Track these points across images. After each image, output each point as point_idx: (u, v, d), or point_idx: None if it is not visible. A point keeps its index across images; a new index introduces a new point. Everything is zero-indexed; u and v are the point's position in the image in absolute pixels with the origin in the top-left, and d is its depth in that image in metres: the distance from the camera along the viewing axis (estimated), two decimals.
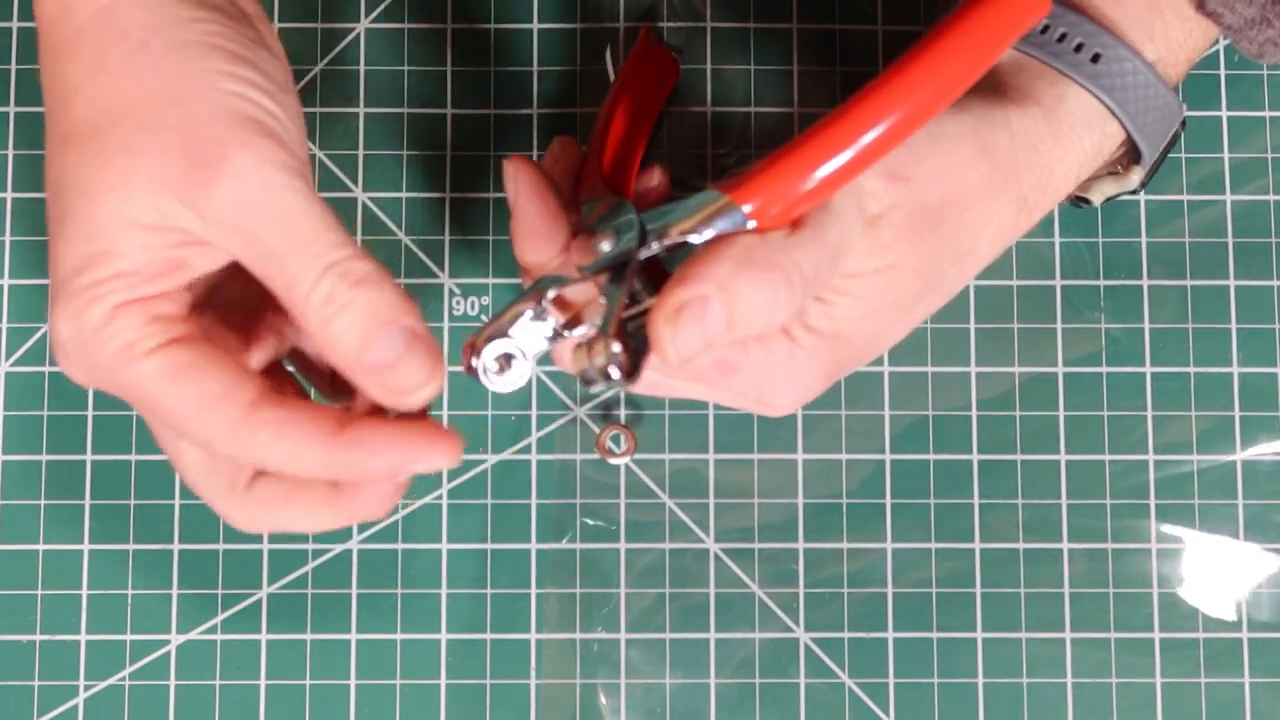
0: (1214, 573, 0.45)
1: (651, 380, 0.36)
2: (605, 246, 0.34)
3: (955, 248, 0.36)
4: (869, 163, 0.32)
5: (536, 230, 0.36)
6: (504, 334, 0.34)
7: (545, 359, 0.36)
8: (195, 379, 0.32)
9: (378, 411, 0.33)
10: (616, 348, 0.32)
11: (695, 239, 0.33)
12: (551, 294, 0.35)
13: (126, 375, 0.31)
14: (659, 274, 0.35)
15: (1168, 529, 0.45)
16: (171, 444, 0.34)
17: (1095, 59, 0.37)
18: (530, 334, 0.35)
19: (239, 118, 0.31)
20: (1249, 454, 0.45)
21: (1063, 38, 0.37)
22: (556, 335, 0.35)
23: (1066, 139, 0.38)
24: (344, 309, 0.31)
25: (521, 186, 0.37)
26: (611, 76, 0.46)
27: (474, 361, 0.34)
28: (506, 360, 0.34)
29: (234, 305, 0.35)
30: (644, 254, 0.34)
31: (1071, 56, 0.37)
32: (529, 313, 0.34)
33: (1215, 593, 0.45)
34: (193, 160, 0.31)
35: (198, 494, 0.34)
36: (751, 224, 0.33)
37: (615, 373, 0.32)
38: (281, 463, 0.32)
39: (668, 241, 0.34)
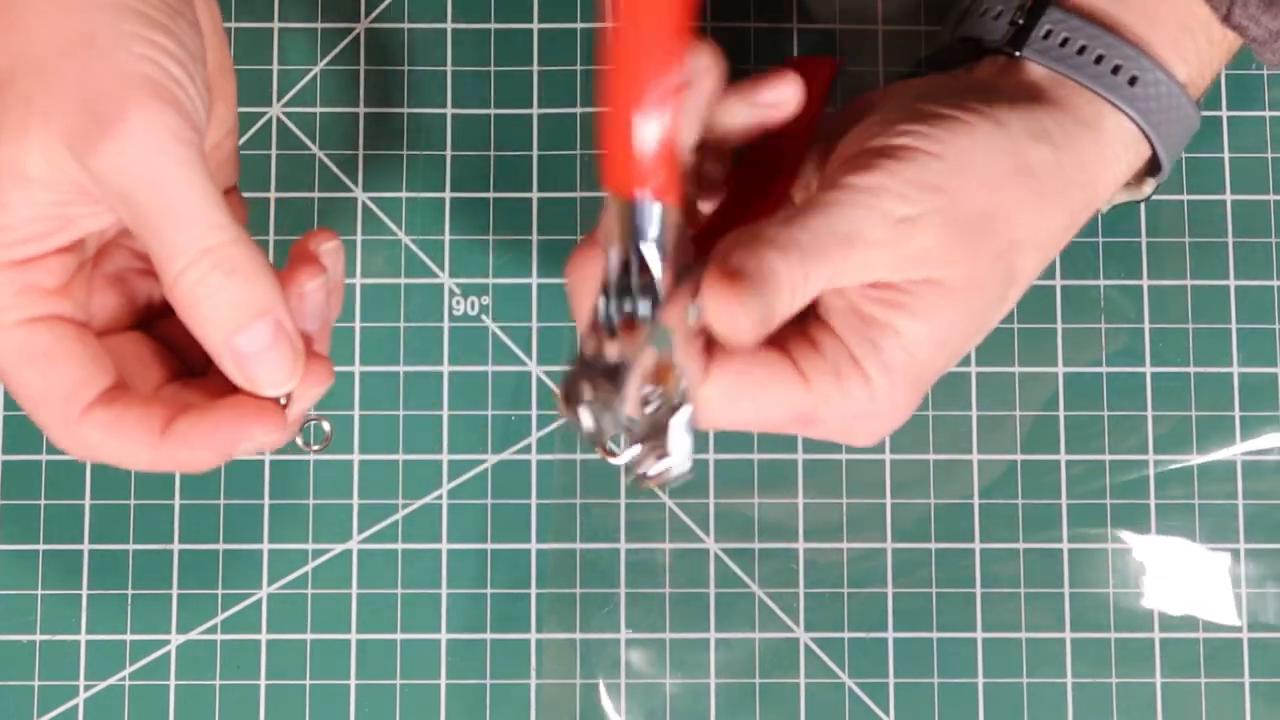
0: (1214, 573, 0.45)
1: (731, 420, 0.36)
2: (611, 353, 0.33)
3: (1011, 263, 0.36)
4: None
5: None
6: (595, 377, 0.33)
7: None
8: (44, 370, 0.32)
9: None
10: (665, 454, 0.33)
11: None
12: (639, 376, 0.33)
13: None
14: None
15: (1168, 529, 0.45)
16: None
17: (1133, 81, 0.37)
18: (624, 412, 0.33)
19: (143, 81, 0.31)
20: (1250, 454, 0.45)
21: (1100, 59, 0.37)
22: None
23: (1108, 158, 0.37)
24: (214, 295, 0.31)
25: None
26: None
27: (636, 467, 0.33)
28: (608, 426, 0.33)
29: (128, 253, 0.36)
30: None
31: (1109, 79, 0.37)
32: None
33: (1216, 593, 0.45)
34: (88, 116, 0.30)
35: (31, 418, 0.34)
36: None
37: (683, 465, 0.33)
38: (109, 458, 0.33)
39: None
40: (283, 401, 0.34)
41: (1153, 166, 0.39)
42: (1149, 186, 0.41)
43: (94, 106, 0.31)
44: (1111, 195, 0.39)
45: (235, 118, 0.37)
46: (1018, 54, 0.38)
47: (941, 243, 0.34)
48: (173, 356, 0.36)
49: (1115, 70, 0.37)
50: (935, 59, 0.42)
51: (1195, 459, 0.45)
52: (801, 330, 0.36)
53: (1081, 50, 0.37)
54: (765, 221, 0.33)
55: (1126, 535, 0.45)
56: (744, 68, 0.47)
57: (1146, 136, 0.38)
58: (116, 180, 0.31)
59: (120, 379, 0.34)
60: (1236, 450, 0.45)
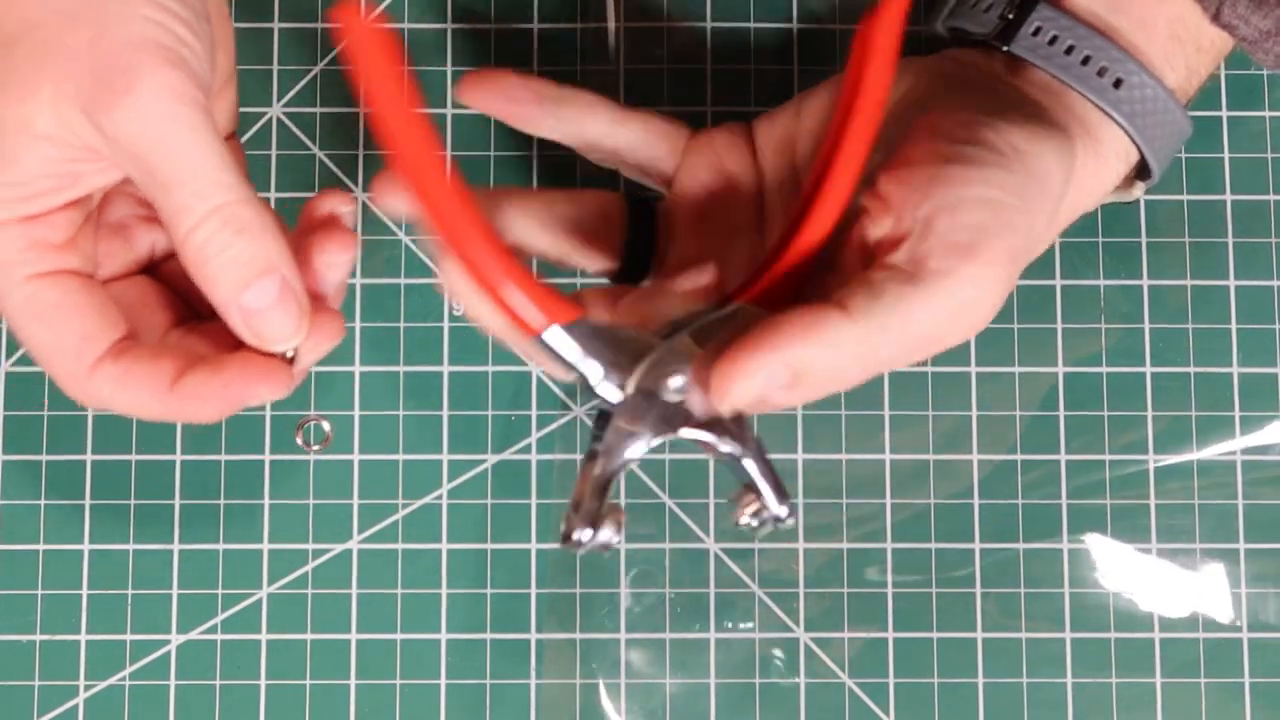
0: (1214, 573, 0.45)
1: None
2: (682, 394, 0.34)
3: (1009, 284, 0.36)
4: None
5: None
6: (596, 507, 0.33)
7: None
8: (54, 324, 0.33)
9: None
10: (757, 504, 0.35)
11: None
12: (629, 456, 0.34)
13: None
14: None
15: (1168, 528, 0.45)
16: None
17: (1118, 84, 0.37)
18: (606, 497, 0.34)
19: (152, 44, 0.32)
20: (1250, 453, 0.45)
21: (1087, 60, 0.37)
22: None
23: (1103, 173, 0.38)
24: (222, 252, 0.32)
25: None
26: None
27: (583, 539, 0.33)
28: (610, 532, 0.34)
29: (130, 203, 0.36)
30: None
31: (1095, 81, 0.37)
32: (596, 469, 0.34)
33: (1216, 593, 0.45)
34: (99, 78, 0.31)
35: (38, 363, 0.35)
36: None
37: (786, 511, 0.34)
38: (120, 410, 0.34)
39: None
40: (289, 355, 0.34)
41: (1142, 170, 0.39)
42: (1138, 189, 0.41)
43: (105, 70, 0.31)
44: (1099, 201, 0.39)
45: (234, 65, 0.38)
46: (1005, 48, 0.38)
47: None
48: (179, 300, 0.37)
49: (1101, 72, 0.37)
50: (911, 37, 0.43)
51: (1195, 458, 0.45)
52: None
53: (1069, 50, 0.37)
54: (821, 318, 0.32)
55: (1126, 535, 0.45)
56: (744, 67, 0.47)
57: (1134, 142, 0.38)
58: (128, 142, 0.31)
59: (129, 330, 0.34)
60: (1236, 450, 0.45)
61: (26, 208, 0.32)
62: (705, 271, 0.37)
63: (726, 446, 0.34)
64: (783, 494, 0.34)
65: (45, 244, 0.33)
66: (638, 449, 0.34)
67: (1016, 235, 0.33)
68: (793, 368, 0.32)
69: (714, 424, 0.34)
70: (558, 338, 0.33)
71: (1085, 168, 0.37)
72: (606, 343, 0.34)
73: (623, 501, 0.45)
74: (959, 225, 0.32)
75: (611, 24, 0.47)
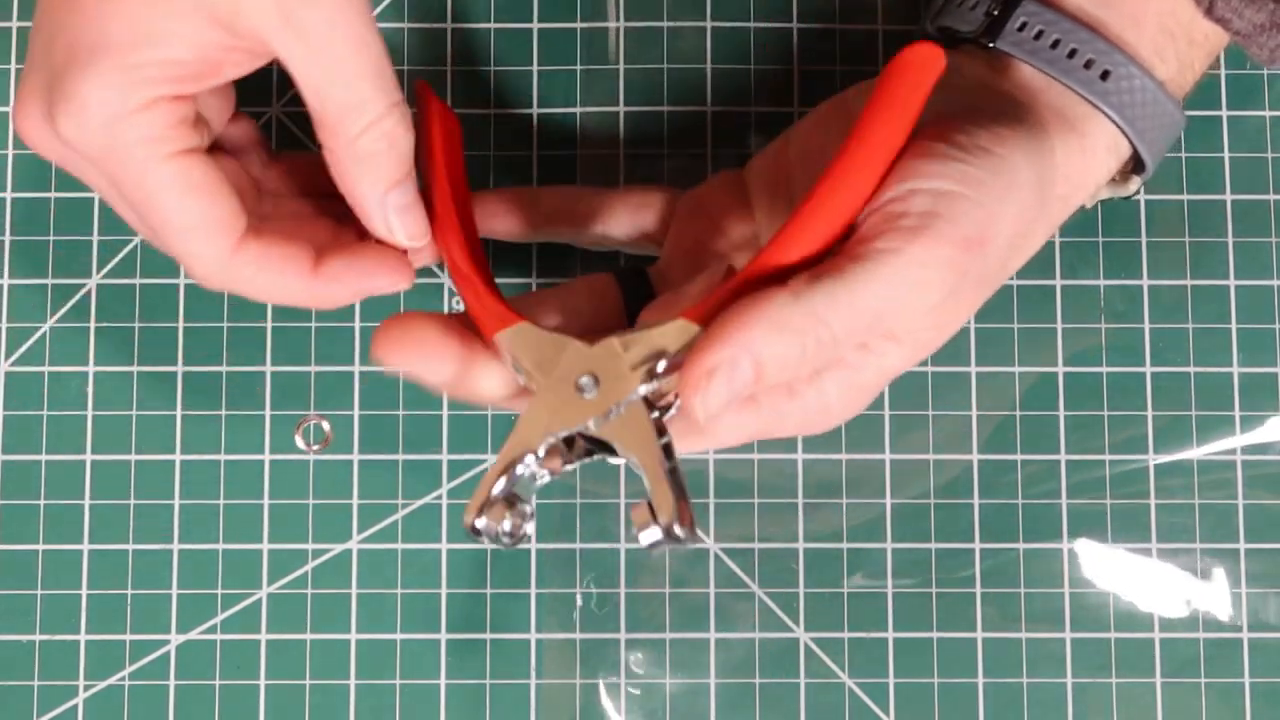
0: (1214, 573, 0.45)
1: (683, 448, 0.36)
2: (592, 392, 0.34)
3: (997, 277, 0.36)
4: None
5: (482, 376, 0.36)
6: (499, 496, 0.34)
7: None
8: (202, 199, 0.34)
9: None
10: (671, 504, 0.33)
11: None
12: (542, 450, 0.34)
13: (141, 167, 0.33)
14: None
15: (1168, 528, 0.45)
16: (128, 214, 0.36)
17: (1104, 76, 0.37)
18: (524, 484, 0.35)
19: None
20: (1250, 453, 0.45)
21: (1073, 53, 0.37)
22: (533, 477, 0.35)
23: (1092, 166, 0.38)
24: (391, 148, 0.34)
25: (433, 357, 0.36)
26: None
27: (480, 526, 0.34)
28: (514, 524, 0.34)
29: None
30: (647, 387, 0.34)
31: (1082, 74, 0.37)
32: (517, 470, 0.34)
33: (1216, 593, 0.45)
34: None
35: (174, 249, 0.35)
36: None
37: (685, 535, 0.33)
38: (259, 292, 0.35)
39: (658, 380, 0.34)
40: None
41: (1136, 164, 0.39)
42: (1134, 184, 0.41)
43: None
44: (1091, 196, 0.39)
45: None
46: (991, 45, 0.38)
47: (965, 298, 0.35)
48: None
49: (1088, 65, 0.37)
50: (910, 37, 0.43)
51: (1195, 458, 0.45)
52: None
53: (1055, 44, 0.37)
54: (786, 291, 0.32)
55: (1126, 535, 0.45)
56: (744, 67, 0.47)
57: (1124, 134, 0.38)
58: (324, 35, 0.33)
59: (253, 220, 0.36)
60: (1236, 449, 0.45)
61: (180, 87, 0.33)
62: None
63: (620, 454, 0.34)
64: (683, 511, 0.33)
65: (188, 122, 0.34)
66: (542, 441, 0.34)
67: (969, 225, 0.33)
68: (750, 355, 0.32)
69: (614, 428, 0.34)
70: (502, 342, 0.35)
71: (1070, 163, 0.37)
72: (545, 345, 0.35)
73: (622, 501, 0.45)
74: (909, 211, 0.33)
75: (611, 24, 0.47)
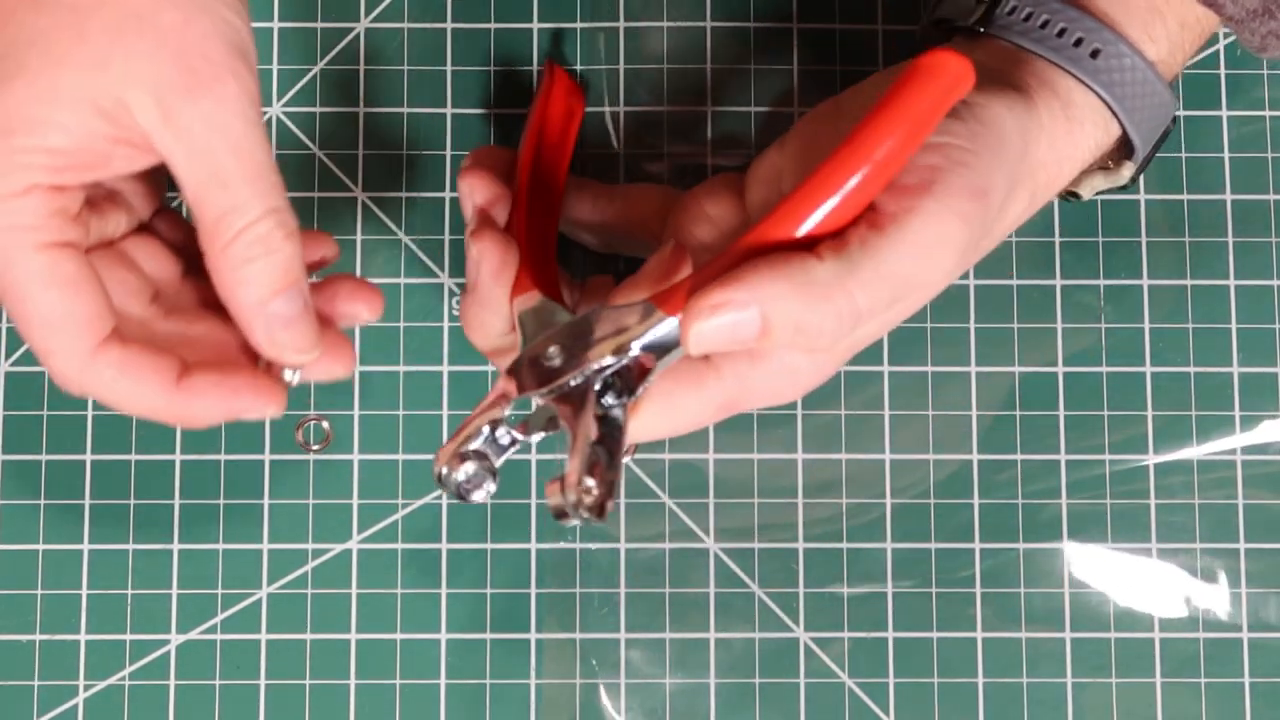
0: (1214, 573, 0.45)
1: (650, 429, 0.36)
2: (556, 361, 0.35)
3: (987, 238, 0.36)
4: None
5: (496, 313, 0.38)
6: (470, 450, 0.35)
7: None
8: (68, 296, 0.32)
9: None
10: (590, 483, 0.33)
11: (635, 350, 0.34)
12: (508, 411, 0.35)
13: (6, 254, 0.32)
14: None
15: (1168, 528, 0.45)
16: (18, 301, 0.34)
17: (1095, 54, 0.37)
18: (493, 446, 0.36)
19: (232, 45, 0.32)
20: (1250, 453, 0.45)
21: (1062, 32, 0.37)
22: (514, 443, 0.36)
23: (1077, 136, 0.38)
24: (268, 254, 0.33)
25: (487, 265, 0.38)
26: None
27: (444, 476, 0.35)
28: (477, 478, 0.36)
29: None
30: (601, 362, 0.34)
31: (1071, 51, 0.37)
32: (487, 429, 0.35)
33: (1216, 593, 0.45)
34: (184, 69, 0.31)
35: (33, 343, 0.33)
36: (673, 328, 0.33)
37: (586, 514, 0.33)
38: (116, 400, 0.33)
39: (612, 358, 0.34)
40: (291, 379, 0.35)
41: (1127, 147, 0.39)
42: (1127, 170, 0.41)
43: (190, 62, 0.31)
44: (1078, 174, 0.39)
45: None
46: (982, 30, 0.38)
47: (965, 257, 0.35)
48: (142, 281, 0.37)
49: (1077, 43, 0.37)
50: (910, 37, 0.43)
51: (1195, 458, 0.45)
52: None
53: (1044, 24, 0.38)
54: (820, 260, 0.32)
55: (1126, 535, 0.45)
56: (744, 67, 0.47)
57: (1113, 112, 0.38)
58: (203, 137, 0.32)
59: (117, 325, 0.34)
60: (1236, 449, 0.45)
61: (59, 177, 0.32)
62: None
63: (564, 421, 0.34)
64: (598, 489, 0.33)
65: (65, 214, 0.33)
66: (504, 404, 0.35)
67: (973, 174, 0.33)
68: (760, 307, 0.31)
69: (566, 397, 0.34)
70: (515, 305, 0.37)
71: (1056, 127, 0.37)
72: (545, 317, 0.36)
73: (623, 501, 0.45)
74: (911, 170, 0.33)
75: (612, 24, 0.47)
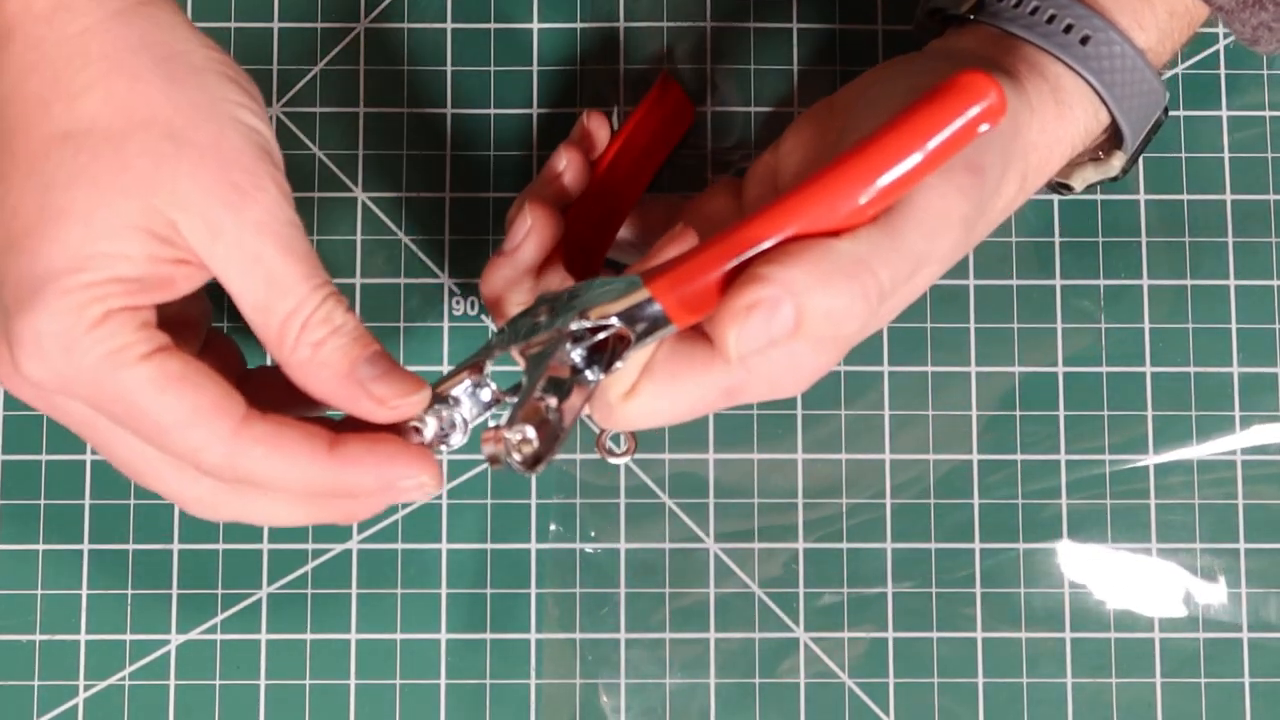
0: (1214, 573, 0.45)
1: (650, 411, 0.36)
2: (540, 319, 0.35)
3: (981, 222, 0.36)
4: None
5: (519, 282, 0.38)
6: (446, 399, 0.35)
7: None
8: (188, 390, 0.32)
9: (354, 425, 0.34)
10: (530, 433, 0.33)
11: (613, 321, 0.33)
12: (490, 367, 0.35)
13: (114, 380, 0.31)
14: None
15: (1168, 528, 0.45)
16: (120, 443, 0.34)
17: (1084, 41, 0.37)
18: (472, 399, 0.36)
19: (262, 150, 0.33)
20: (1250, 453, 0.45)
21: (1052, 19, 0.38)
22: (495, 402, 0.36)
23: (1067, 120, 0.38)
24: (336, 334, 0.33)
25: (537, 237, 0.38)
26: (616, 122, 0.45)
27: (416, 424, 0.35)
28: (447, 427, 0.35)
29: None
30: (572, 325, 0.34)
31: (1061, 37, 0.37)
32: (469, 381, 0.35)
33: (1215, 593, 0.45)
34: (227, 183, 0.32)
35: (180, 450, 0.33)
36: (658, 307, 0.33)
37: (516, 458, 0.33)
38: (273, 477, 0.32)
39: (587, 323, 0.34)
40: (425, 438, 0.35)
41: (1118, 137, 0.39)
42: (1118, 160, 0.41)
43: (231, 175, 0.32)
44: (1066, 159, 0.39)
45: None
46: (972, 18, 0.39)
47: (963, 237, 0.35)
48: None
49: (1067, 29, 0.37)
50: (909, 37, 0.43)
51: (1195, 458, 0.45)
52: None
53: (1034, 11, 0.38)
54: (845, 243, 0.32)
55: (1126, 535, 0.45)
56: (745, 68, 0.47)
57: (1103, 100, 0.38)
58: (254, 244, 0.32)
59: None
60: (1237, 450, 0.45)
61: (133, 300, 0.32)
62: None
63: (525, 377, 0.34)
64: (547, 441, 0.33)
65: (149, 325, 0.32)
66: (488, 358, 0.35)
67: (968, 150, 0.32)
68: (794, 299, 0.31)
69: (537, 356, 0.35)
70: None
71: (1046, 110, 0.37)
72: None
73: (623, 501, 0.45)
74: None
75: (612, 24, 0.47)
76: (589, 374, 0.34)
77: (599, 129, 0.42)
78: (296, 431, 0.33)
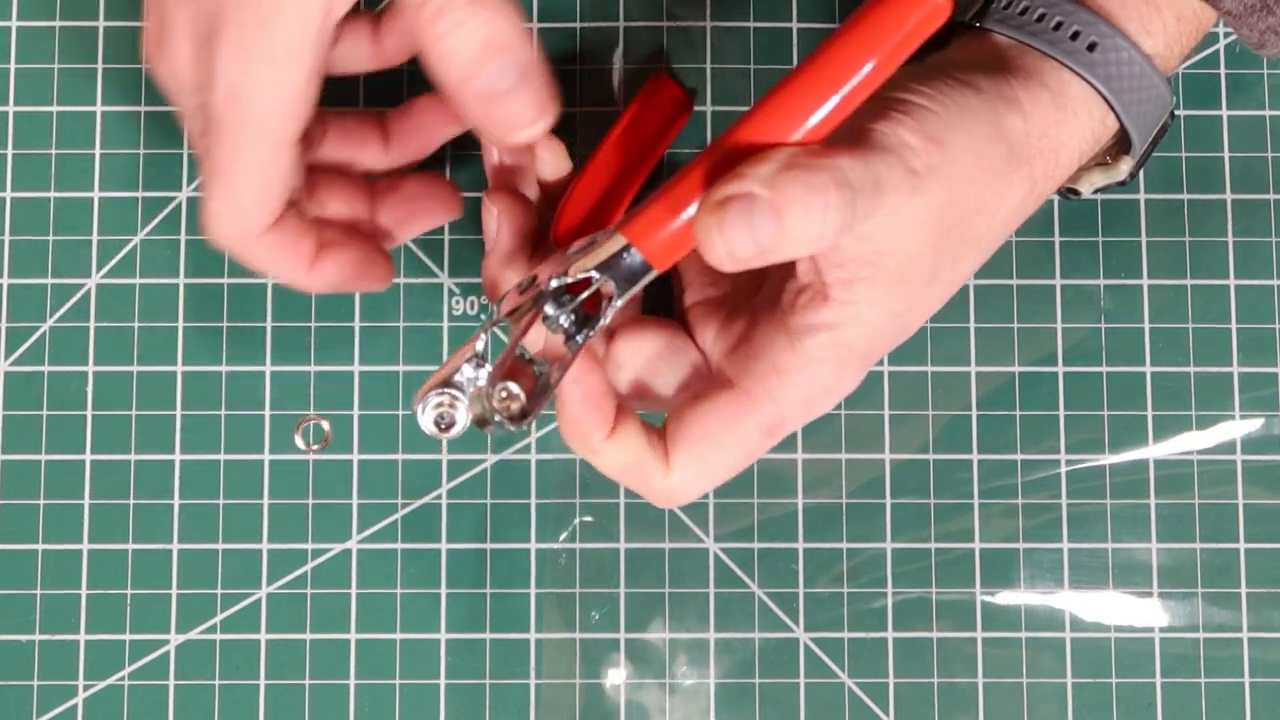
0: (1214, 573, 0.45)
1: (693, 480, 0.36)
2: (527, 284, 0.35)
3: (973, 229, 0.36)
4: None
5: (515, 263, 0.38)
6: (446, 385, 0.35)
7: None
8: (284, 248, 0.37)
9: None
10: (514, 388, 0.33)
11: (593, 274, 0.33)
12: (481, 346, 0.35)
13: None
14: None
15: (1168, 528, 0.45)
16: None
17: (1091, 47, 0.37)
18: (473, 385, 0.35)
19: None
20: (1250, 453, 0.45)
21: (1058, 26, 0.37)
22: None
23: (1071, 125, 0.38)
24: (458, 26, 0.31)
25: (508, 222, 0.38)
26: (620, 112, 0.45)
27: (419, 413, 0.35)
28: (449, 414, 0.35)
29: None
30: (553, 283, 0.34)
31: (1067, 44, 0.37)
32: (468, 367, 0.35)
33: (1215, 593, 0.45)
34: None
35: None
36: (639, 256, 0.33)
37: (505, 420, 0.33)
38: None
39: (567, 278, 0.34)
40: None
41: (1125, 142, 0.39)
42: (1125, 165, 0.41)
43: None
44: (1076, 167, 0.39)
45: None
46: (977, 25, 0.38)
47: (932, 213, 0.34)
48: None
49: (1074, 36, 0.37)
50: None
51: (1196, 458, 0.45)
52: (730, 337, 0.37)
53: (1040, 18, 0.38)
54: (789, 147, 0.32)
55: (1127, 534, 0.45)
56: (745, 68, 0.47)
57: (1110, 106, 0.38)
58: None
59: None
60: (1237, 449, 0.45)
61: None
62: None
63: (511, 336, 0.35)
64: (534, 398, 0.33)
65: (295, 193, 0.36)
66: (482, 331, 0.35)
67: (928, 120, 0.33)
68: (769, 192, 0.30)
69: (516, 316, 0.35)
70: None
71: (1043, 113, 0.37)
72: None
73: (623, 502, 0.45)
74: (865, 111, 0.33)
75: (612, 23, 0.47)
76: (578, 338, 0.34)
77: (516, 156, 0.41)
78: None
